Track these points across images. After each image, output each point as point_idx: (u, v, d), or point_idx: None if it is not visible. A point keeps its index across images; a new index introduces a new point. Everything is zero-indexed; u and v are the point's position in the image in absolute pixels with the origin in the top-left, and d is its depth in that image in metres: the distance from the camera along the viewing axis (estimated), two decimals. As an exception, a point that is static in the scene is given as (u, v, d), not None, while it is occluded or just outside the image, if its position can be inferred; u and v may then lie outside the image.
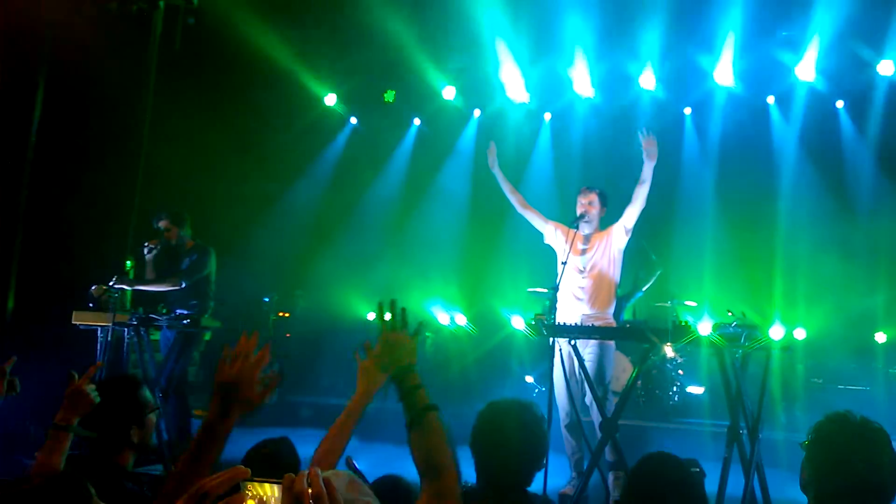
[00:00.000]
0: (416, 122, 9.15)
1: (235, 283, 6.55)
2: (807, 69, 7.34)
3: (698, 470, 3.80)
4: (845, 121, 7.86)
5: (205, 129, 6.80)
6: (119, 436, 2.22)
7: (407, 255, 8.38)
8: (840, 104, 7.85)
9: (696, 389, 6.79)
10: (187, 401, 5.16)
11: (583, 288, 4.58)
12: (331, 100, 8.65)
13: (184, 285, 5.08)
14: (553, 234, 4.73)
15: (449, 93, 8.47)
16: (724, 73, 7.54)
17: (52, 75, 6.07)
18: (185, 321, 4.78)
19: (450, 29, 7.42)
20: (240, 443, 2.29)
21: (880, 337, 6.99)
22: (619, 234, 4.64)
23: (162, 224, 5.22)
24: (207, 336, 5.14)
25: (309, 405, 6.80)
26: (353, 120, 9.13)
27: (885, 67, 7.12)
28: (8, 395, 2.27)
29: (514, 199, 4.86)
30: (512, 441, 2.11)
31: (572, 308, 4.57)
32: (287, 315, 7.88)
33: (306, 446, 2.37)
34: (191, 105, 6.86)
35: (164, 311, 4.88)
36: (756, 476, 3.74)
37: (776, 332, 6.36)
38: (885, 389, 6.41)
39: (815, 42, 7.02)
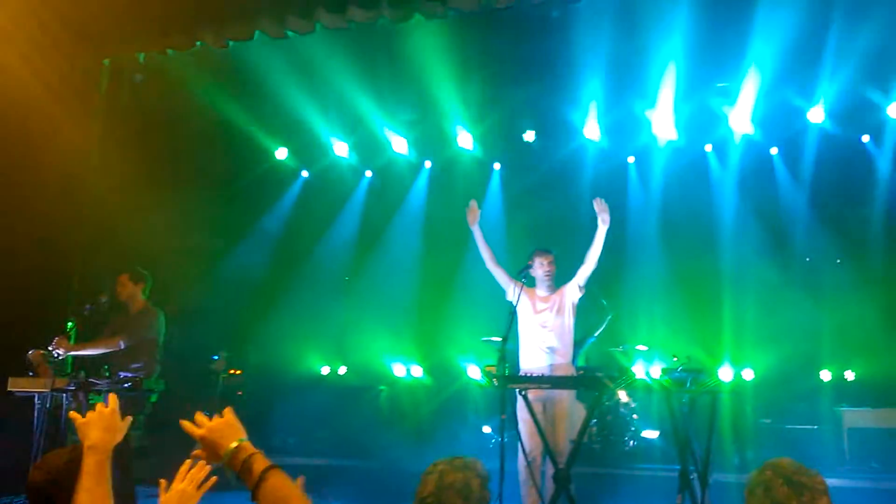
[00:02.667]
0: (368, 174, 9.21)
1: (183, 341, 6.35)
2: (741, 118, 7.69)
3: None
4: (780, 167, 8.22)
5: (151, 185, 6.69)
6: None
7: (360, 307, 8.32)
8: (774, 151, 8.23)
9: (650, 434, 6.82)
10: (131, 469, 4.92)
11: (546, 343, 4.75)
12: (281, 153, 8.67)
13: (123, 346, 4.91)
14: (513, 293, 4.83)
15: (400, 145, 8.58)
16: (663, 122, 7.84)
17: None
18: (126, 384, 4.59)
19: (400, 82, 7.57)
20: None
21: (825, 375, 7.19)
22: (573, 290, 4.87)
23: (120, 279, 5.09)
24: (153, 398, 4.95)
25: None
26: (305, 173, 9.14)
27: (815, 114, 7.50)
28: None
29: (486, 255, 5.01)
30: (454, 502, 2.07)
31: (538, 360, 4.71)
32: (239, 373, 7.65)
33: None
34: (136, 160, 6.77)
35: (108, 373, 4.70)
36: (708, 521, 3.75)
37: (725, 374, 6.50)
38: (832, 427, 6.55)
39: (749, 91, 7.38)
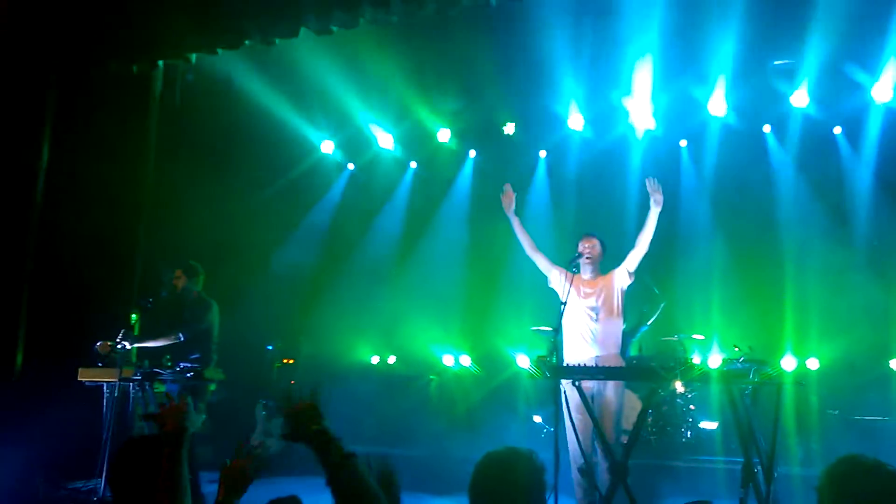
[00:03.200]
0: (413, 164, 9.23)
1: (239, 332, 6.52)
2: (802, 97, 7.37)
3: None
4: (844, 146, 7.85)
5: (205, 182, 6.88)
6: (146, 499, 2.12)
7: (409, 298, 8.35)
8: (837, 130, 7.86)
9: (708, 425, 6.63)
10: (194, 453, 5.11)
11: (592, 331, 4.60)
12: (327, 147, 8.77)
13: (182, 339, 5.09)
14: (557, 279, 4.75)
15: (444, 135, 8.56)
16: (718, 104, 7.58)
17: (56, 135, 6.21)
18: (188, 374, 4.76)
19: (443, 71, 7.54)
20: (250, 493, 2.25)
21: (896, 364, 6.84)
22: (623, 276, 4.70)
23: (176, 273, 5.27)
24: (213, 387, 5.13)
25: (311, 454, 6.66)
26: (350, 166, 9.22)
27: (879, 91, 7.14)
28: None
29: (525, 242, 4.92)
30: (511, 495, 2.04)
31: (582, 350, 4.57)
32: (292, 362, 7.82)
33: (315, 494, 2.30)
34: (191, 158, 6.97)
35: (169, 363, 4.88)
36: (774, 516, 3.63)
37: (788, 364, 6.26)
38: (903, 419, 6.24)
39: (810, 69, 7.06)
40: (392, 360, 8.57)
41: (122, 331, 4.89)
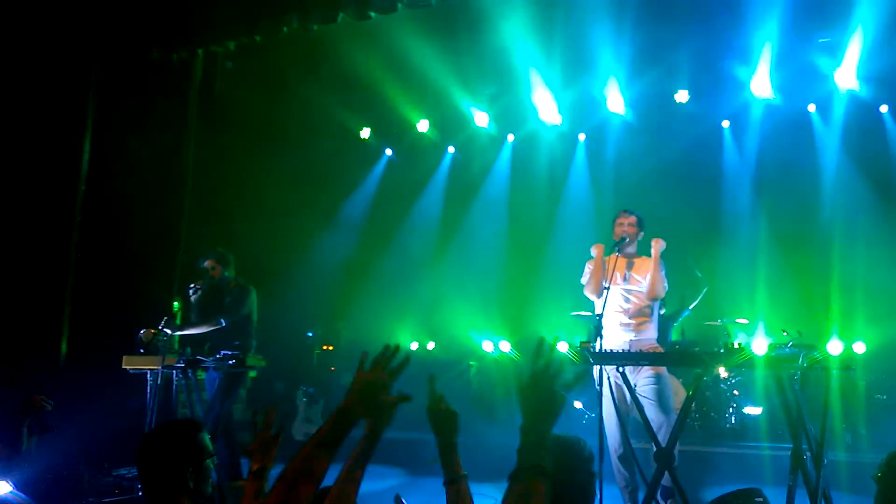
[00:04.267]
0: (451, 149, 9.22)
1: (279, 319, 6.63)
2: (847, 75, 7.13)
3: (762, 500, 3.66)
4: (891, 125, 7.58)
5: (247, 170, 6.98)
6: (177, 481, 2.15)
7: (448, 283, 8.38)
8: (884, 108, 7.59)
9: (753, 410, 6.54)
10: (236, 440, 5.21)
11: (627, 313, 4.48)
12: (365, 133, 8.81)
13: (224, 324, 5.14)
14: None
15: (482, 119, 8.52)
16: (761, 83, 7.38)
17: (99, 123, 6.35)
18: (230, 361, 4.83)
19: (480, 56, 7.49)
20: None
21: (947, 348, 6.63)
22: (663, 282, 4.49)
23: (207, 263, 5.32)
24: (253, 374, 5.19)
25: (352, 440, 6.78)
26: (389, 151, 9.26)
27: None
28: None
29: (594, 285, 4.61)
30: (557, 486, 2.05)
31: (617, 334, 4.47)
32: (331, 348, 7.93)
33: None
34: (233, 147, 7.07)
35: (207, 350, 4.95)
36: (823, 503, 3.57)
37: (834, 348, 6.11)
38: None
39: (855, 47, 6.81)
40: (431, 345, 8.63)
41: (165, 318, 4.94)
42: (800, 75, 7.37)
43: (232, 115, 7.07)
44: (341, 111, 8.17)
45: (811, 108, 7.82)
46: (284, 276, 7.40)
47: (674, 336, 6.93)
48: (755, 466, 5.43)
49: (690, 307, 6.85)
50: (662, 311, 7.21)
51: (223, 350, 4.89)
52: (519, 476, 1.50)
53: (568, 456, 2.17)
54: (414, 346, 8.59)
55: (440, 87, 7.84)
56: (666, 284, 4.49)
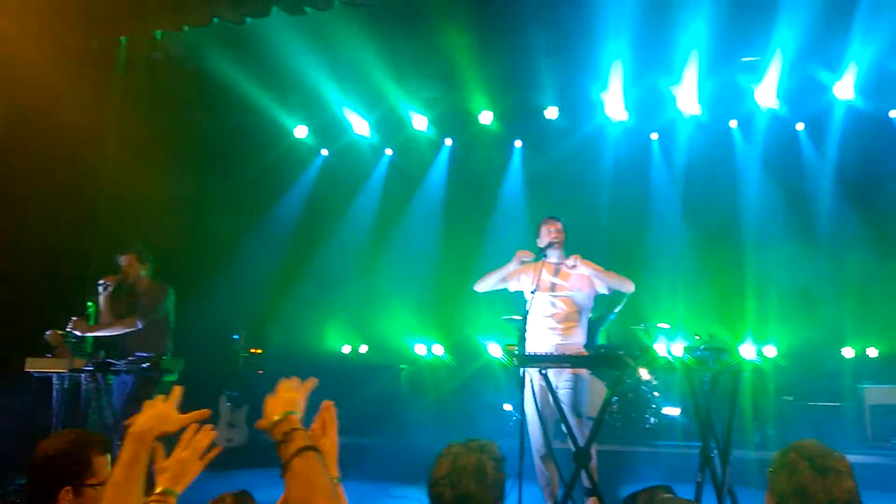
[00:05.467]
0: (388, 152, 9.19)
1: (204, 321, 6.43)
2: (767, 94, 7.53)
3: (669, 496, 3.81)
4: (805, 143, 8.06)
5: (168, 164, 6.73)
6: (49, 500, 1.92)
7: (382, 287, 8.34)
8: (800, 127, 8.06)
9: (671, 411, 6.81)
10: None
11: (554, 318, 4.56)
12: (301, 132, 8.67)
13: (140, 326, 4.92)
14: (518, 283, 4.71)
15: (420, 122, 8.53)
16: (687, 99, 7.70)
17: (11, 113, 5.98)
18: (144, 364, 4.60)
19: (420, 58, 7.50)
20: (206, 487, 2.22)
21: (848, 352, 7.10)
22: (591, 281, 4.62)
23: (123, 260, 5.08)
24: (172, 377, 4.98)
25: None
26: (324, 151, 9.14)
27: (841, 90, 7.32)
28: None
29: (490, 285, 4.76)
30: (468, 485, 2.07)
31: (544, 338, 4.54)
32: (259, 352, 7.74)
33: (277, 488, 2.29)
34: (155, 140, 6.81)
35: (119, 352, 4.72)
36: (728, 499, 3.75)
37: (747, 351, 6.46)
38: (854, 404, 6.49)
39: (775, 66, 7.21)
40: (364, 349, 8.56)
41: (73, 319, 4.68)
42: (723, 92, 7.73)
43: (156, 107, 6.80)
44: (275, 109, 8.01)
45: (733, 123, 8.22)
46: (211, 277, 7.18)
47: (601, 340, 7.11)
48: (671, 464, 5.65)
49: (616, 311, 7.03)
50: (590, 315, 7.42)
51: (137, 352, 4.68)
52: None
53: (481, 458, 2.20)
54: (346, 349, 8.52)
55: (379, 88, 7.81)
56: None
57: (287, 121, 8.42)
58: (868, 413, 6.40)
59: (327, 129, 8.72)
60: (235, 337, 7.34)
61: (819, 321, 7.04)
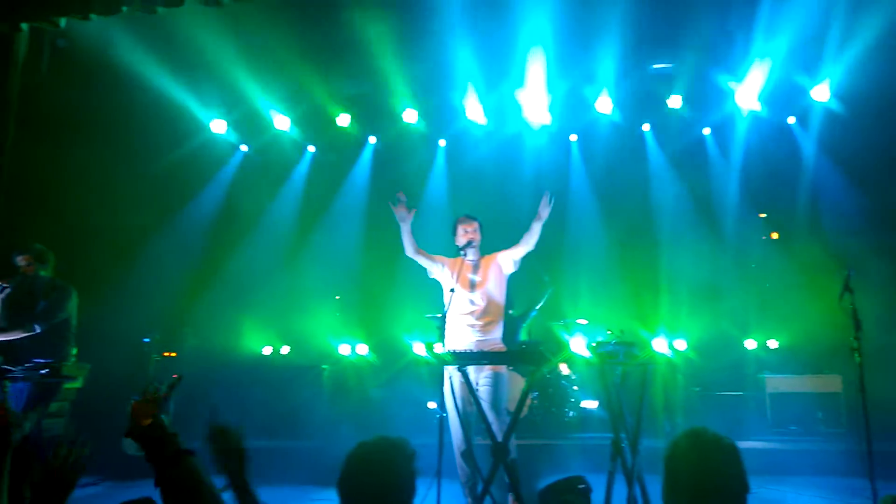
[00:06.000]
0: (311, 149, 9.03)
1: (111, 323, 6.11)
2: (676, 99, 7.90)
3: (584, 486, 3.94)
4: (712, 145, 8.50)
5: (74, 157, 6.35)
6: None
7: (304, 286, 8.19)
8: (707, 131, 8.49)
9: (590, 404, 7.03)
10: (47, 460, 4.70)
11: (473, 315, 4.62)
12: (219, 126, 8.38)
13: (38, 330, 4.65)
14: (440, 270, 4.76)
15: (343, 119, 8.42)
16: (605, 102, 7.96)
17: None
18: (42, 371, 4.33)
19: (344, 55, 7.40)
20: (113, 497, 2.11)
21: (750, 344, 7.56)
22: (508, 263, 4.75)
23: (21, 260, 4.77)
24: (76, 384, 4.70)
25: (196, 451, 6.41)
26: (244, 147, 8.88)
27: (744, 97, 7.76)
28: None
29: (409, 245, 4.81)
30: (378, 484, 2.08)
31: (464, 335, 4.60)
32: (174, 355, 7.42)
33: None
34: (59, 133, 6.41)
35: (15, 357, 4.43)
36: (637, 486, 3.91)
37: (659, 345, 6.75)
38: (756, 393, 6.92)
39: (685, 73, 7.57)
40: (286, 350, 8.38)
41: None
42: (637, 97, 8.04)
43: (62, 99, 6.41)
44: (191, 102, 7.70)
45: (646, 126, 8.57)
46: (120, 276, 6.83)
47: (522, 336, 7.28)
48: (589, 456, 5.81)
49: (537, 308, 7.23)
50: (511, 312, 7.57)
51: (35, 358, 4.39)
52: (159, 474, 1.55)
53: (390, 455, 2.20)
54: (267, 350, 8.31)
55: (300, 82, 7.66)
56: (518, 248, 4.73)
57: (203, 115, 8.11)
58: (768, 401, 6.80)
59: (247, 124, 8.46)
60: (146, 340, 7.01)
61: (725, 315, 7.47)
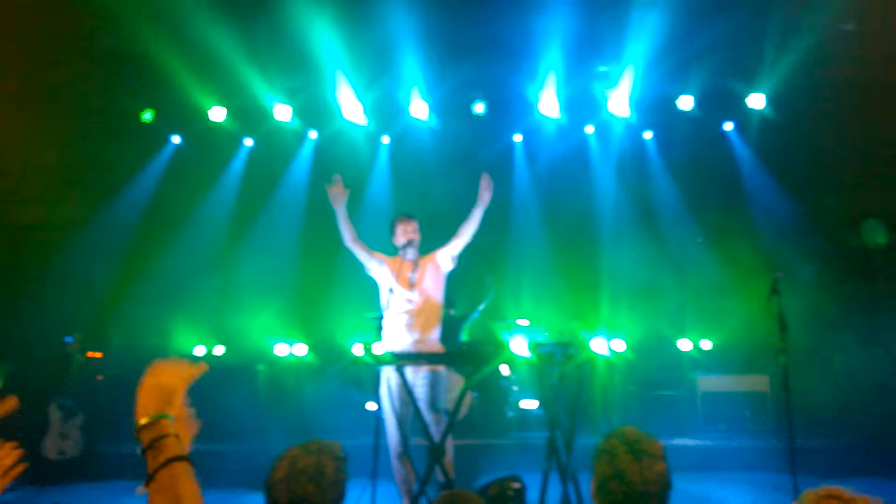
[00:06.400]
0: (248, 142, 8.76)
1: (31, 322, 5.76)
2: (619, 102, 8.02)
3: (519, 485, 3.94)
4: (652, 149, 8.69)
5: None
6: None
7: (240, 283, 7.93)
8: (648, 135, 8.68)
9: (529, 404, 7.07)
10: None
11: (411, 315, 4.56)
12: (149, 117, 8.02)
13: None
14: (378, 267, 4.68)
15: (283, 113, 8.20)
16: (548, 104, 8.02)
17: None
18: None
19: (283, 48, 7.21)
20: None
21: (684, 344, 7.77)
22: (446, 260, 4.71)
23: None
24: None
25: (120, 455, 6.13)
26: (176, 139, 8.53)
27: (684, 102, 7.97)
28: None
29: (347, 233, 4.69)
30: (305, 488, 2.00)
31: (401, 335, 4.54)
32: (98, 356, 7.05)
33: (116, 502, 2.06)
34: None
35: None
36: (572, 484, 3.94)
37: (598, 346, 6.84)
38: (689, 392, 7.10)
39: (627, 76, 7.71)
40: (220, 350, 8.10)
41: None
42: (580, 99, 8.13)
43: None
44: (119, 88, 7.33)
45: (589, 129, 8.69)
46: (40, 272, 6.45)
47: (464, 336, 7.26)
48: (527, 455, 5.85)
49: (479, 309, 7.23)
50: (453, 313, 7.54)
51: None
52: (150, 476, 1.39)
53: (318, 458, 2.14)
54: (199, 350, 8.01)
55: (237, 73, 7.39)
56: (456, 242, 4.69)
57: (132, 102, 7.74)
58: (700, 400, 6.99)
59: (179, 113, 8.09)
60: (69, 339, 6.64)
61: (661, 316, 7.64)
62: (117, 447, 6.38)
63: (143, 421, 1.44)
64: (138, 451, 1.41)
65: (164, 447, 1.40)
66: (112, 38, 6.44)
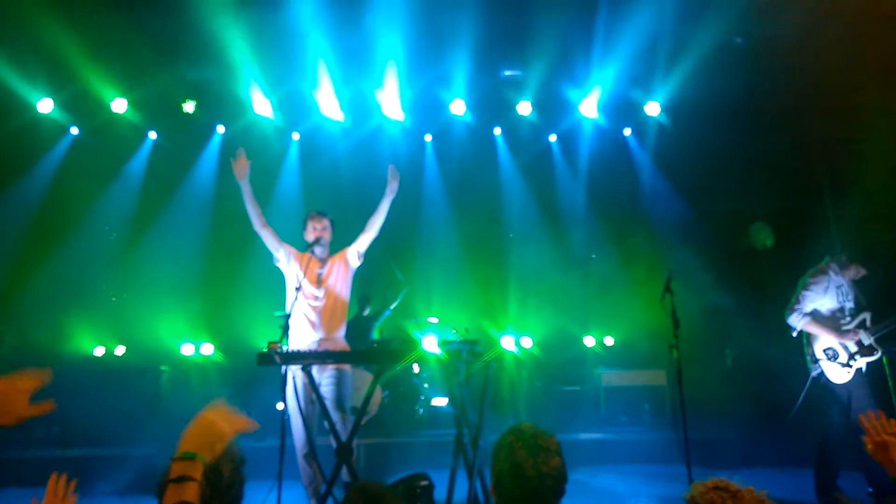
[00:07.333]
0: (152, 135, 8.36)
1: None
2: (526, 105, 8.22)
3: (426, 483, 3.99)
4: (557, 151, 8.98)
5: None
6: None
7: (143, 281, 7.57)
8: (553, 138, 8.95)
9: (440, 401, 7.16)
10: None
11: (318, 312, 4.53)
12: (46, 106, 7.51)
13: None
14: (286, 259, 4.62)
15: (189, 106, 7.88)
16: (457, 105, 8.12)
17: None
18: None
19: (188, 38, 6.92)
20: None
21: (589, 341, 8.11)
22: (353, 257, 4.71)
23: None
24: None
25: (17, 461, 5.74)
26: (74, 130, 8.03)
27: (586, 108, 8.27)
28: None
29: (254, 214, 4.60)
30: (201, 489, 1.96)
31: (306, 334, 4.50)
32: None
33: None
34: None
35: None
36: (478, 480, 4.03)
37: (507, 343, 7.02)
38: (593, 387, 7.41)
39: (535, 81, 7.93)
40: (120, 350, 7.71)
41: None
42: (490, 101, 8.28)
43: None
44: (11, 77, 6.83)
45: (497, 131, 8.88)
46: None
47: (374, 335, 7.27)
48: (436, 452, 5.94)
49: (391, 308, 7.26)
50: (366, 313, 7.53)
51: None
52: None
53: (217, 459, 2.10)
54: (99, 351, 7.60)
55: (140, 59, 7.04)
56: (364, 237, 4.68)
57: (28, 92, 7.24)
58: (603, 394, 7.29)
59: (78, 104, 7.66)
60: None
61: (567, 314, 7.93)
62: (8, 453, 5.99)
63: (184, 450, 1.43)
64: (161, 480, 1.40)
65: (186, 490, 1.41)
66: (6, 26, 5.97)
